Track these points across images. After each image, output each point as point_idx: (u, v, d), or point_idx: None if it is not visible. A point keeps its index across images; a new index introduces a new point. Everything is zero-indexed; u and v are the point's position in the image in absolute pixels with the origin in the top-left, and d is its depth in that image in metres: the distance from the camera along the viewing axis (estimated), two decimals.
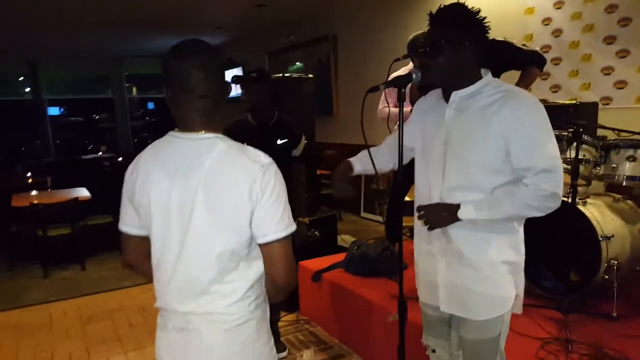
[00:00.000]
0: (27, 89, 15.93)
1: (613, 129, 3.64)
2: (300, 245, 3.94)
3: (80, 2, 8.30)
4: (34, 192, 7.62)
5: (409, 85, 2.42)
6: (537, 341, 3.03)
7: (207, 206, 1.60)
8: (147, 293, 5.63)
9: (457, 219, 2.09)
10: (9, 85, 16.61)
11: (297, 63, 10.39)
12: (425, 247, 2.31)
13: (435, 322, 2.41)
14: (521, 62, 3.88)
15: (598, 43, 5.14)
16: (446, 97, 2.17)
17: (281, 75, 6.22)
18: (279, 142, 3.69)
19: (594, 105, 4.56)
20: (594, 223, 3.40)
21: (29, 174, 9.76)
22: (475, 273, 2.14)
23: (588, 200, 3.60)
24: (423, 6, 6.94)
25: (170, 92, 1.66)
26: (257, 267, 1.70)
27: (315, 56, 9.84)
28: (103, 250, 7.32)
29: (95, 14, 9.16)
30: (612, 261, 3.34)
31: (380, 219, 8.16)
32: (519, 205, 2.00)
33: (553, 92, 5.56)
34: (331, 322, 4.37)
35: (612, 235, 3.39)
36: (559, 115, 3.58)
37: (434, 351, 2.47)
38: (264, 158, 1.66)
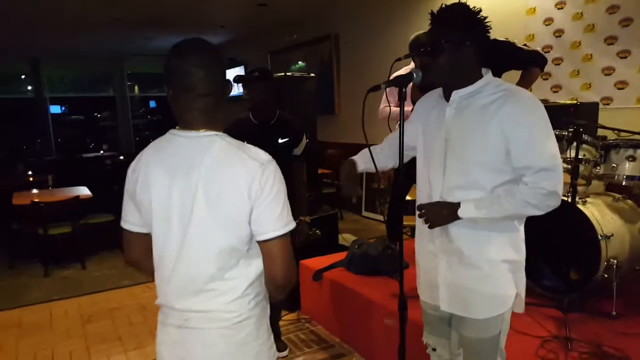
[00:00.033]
0: (29, 87, 15.94)
1: (613, 129, 3.65)
2: (301, 244, 3.95)
3: (83, 0, 8.31)
4: (35, 191, 7.62)
5: (410, 84, 2.43)
6: (537, 339, 3.05)
7: (206, 203, 1.61)
8: (148, 292, 5.65)
9: (457, 218, 2.10)
10: (10, 83, 16.64)
11: (300, 62, 10.39)
12: (427, 245, 2.31)
13: (436, 321, 2.41)
14: (522, 62, 3.89)
15: (599, 43, 5.15)
16: (446, 97, 2.17)
17: (283, 74, 6.23)
18: (280, 140, 3.69)
19: (595, 105, 4.57)
20: (594, 222, 3.41)
21: (30, 172, 9.75)
22: (476, 272, 2.15)
23: (588, 199, 3.61)
24: (425, 6, 6.96)
25: (171, 90, 1.67)
26: (257, 265, 1.71)
27: (317, 55, 9.85)
28: (104, 249, 7.32)
29: (98, 12, 9.17)
30: (612, 260, 3.35)
31: (381, 217, 8.17)
32: (519, 203, 2.00)
33: (554, 92, 5.57)
34: (332, 321, 4.37)
35: (612, 235, 3.40)
36: (559, 115, 3.60)
37: (434, 350, 2.48)
38: (263, 155, 1.67)
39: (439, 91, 2.26)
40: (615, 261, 3.34)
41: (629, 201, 3.82)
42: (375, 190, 8.58)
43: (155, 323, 1.83)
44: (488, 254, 2.14)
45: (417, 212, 2.25)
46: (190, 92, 1.63)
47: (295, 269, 1.73)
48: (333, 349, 4.13)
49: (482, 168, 2.06)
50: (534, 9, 5.74)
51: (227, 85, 1.74)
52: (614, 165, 3.51)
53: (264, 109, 3.67)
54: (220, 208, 1.62)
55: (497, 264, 2.14)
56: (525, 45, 3.98)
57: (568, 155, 3.47)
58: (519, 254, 2.19)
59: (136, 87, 18.15)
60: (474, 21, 2.05)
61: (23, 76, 16.17)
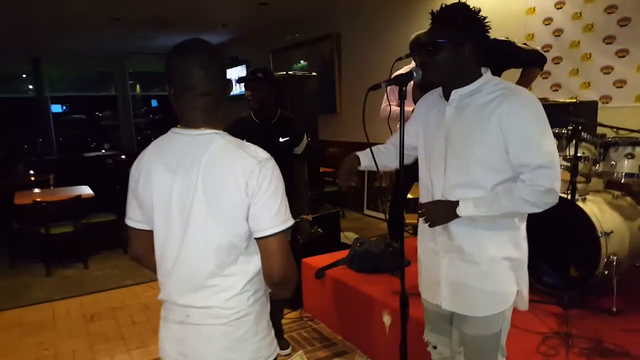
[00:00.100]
0: (30, 87, 15.92)
1: (611, 127, 3.67)
2: (303, 242, 3.97)
3: (83, 0, 8.32)
4: (36, 190, 7.62)
5: (411, 83, 2.45)
6: (538, 336, 3.06)
7: (205, 200, 1.64)
8: (150, 291, 5.67)
9: (456, 216, 2.12)
10: (11, 83, 16.61)
11: (302, 61, 10.40)
12: (429, 244, 2.33)
13: (437, 318, 2.42)
14: (522, 61, 3.91)
15: (598, 43, 5.17)
16: (446, 96, 2.19)
17: (285, 72, 6.24)
18: (280, 140, 3.72)
19: (594, 103, 4.58)
20: (594, 219, 3.42)
21: (31, 172, 9.74)
22: (476, 269, 2.16)
23: (587, 197, 3.62)
24: (425, 5, 6.97)
25: (172, 89, 1.70)
26: (256, 262, 1.73)
27: (318, 54, 9.86)
28: (106, 249, 7.34)
29: (99, 11, 9.19)
30: (612, 257, 3.36)
31: (382, 216, 8.19)
32: (517, 201, 2.02)
33: (554, 90, 5.59)
34: (334, 318, 4.39)
35: (612, 232, 3.42)
36: (559, 113, 3.62)
37: (435, 347, 2.49)
38: (262, 154, 1.69)
39: (439, 91, 2.27)
40: (615, 258, 3.35)
41: (628, 198, 3.84)
42: (377, 189, 8.60)
43: (158, 323, 1.85)
44: (489, 251, 2.15)
45: (418, 212, 2.28)
46: (191, 92, 1.66)
47: (294, 267, 1.74)
48: (335, 347, 4.15)
49: (482, 166, 2.08)
50: (534, 8, 5.75)
51: (228, 84, 1.76)
52: (613, 162, 3.53)
53: (265, 108, 3.69)
54: (218, 205, 1.64)
55: (497, 262, 2.15)
56: (524, 44, 4.00)
57: (567, 153, 3.49)
58: (520, 252, 2.20)
59: (138, 86, 18.12)
60: (474, 21, 2.06)
61: (24, 75, 16.15)
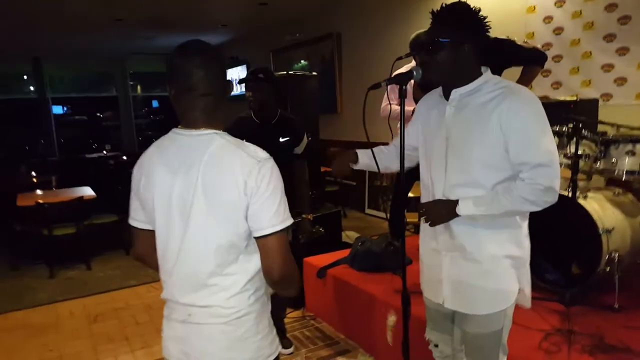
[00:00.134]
0: (31, 88, 15.89)
1: (612, 125, 3.67)
2: (304, 241, 3.98)
3: (83, 0, 8.32)
4: (39, 192, 7.64)
5: (411, 82, 2.45)
6: (540, 333, 3.07)
7: (205, 200, 1.65)
8: (153, 292, 5.68)
9: (456, 215, 2.12)
10: (12, 84, 16.58)
11: (302, 61, 10.40)
12: (430, 243, 2.33)
13: (439, 317, 2.43)
14: (522, 60, 3.91)
15: (598, 41, 5.17)
16: (446, 95, 2.20)
17: (285, 72, 6.25)
18: (281, 140, 3.73)
19: (595, 101, 4.58)
20: (595, 217, 3.43)
21: (33, 173, 9.75)
22: (477, 267, 2.17)
23: (589, 194, 3.62)
24: (425, 5, 6.97)
25: (173, 90, 1.72)
26: (256, 261, 1.74)
27: (318, 54, 9.86)
28: (108, 250, 7.33)
29: (100, 12, 9.18)
30: (613, 254, 3.37)
31: (384, 215, 8.20)
32: (516, 200, 2.02)
33: (554, 88, 5.59)
34: (337, 317, 4.40)
35: (613, 229, 3.42)
36: (559, 111, 3.62)
37: (436, 346, 2.50)
38: (261, 153, 1.70)
39: (439, 91, 2.28)
40: (617, 255, 3.36)
41: (630, 195, 3.84)
42: (378, 188, 8.61)
43: (161, 323, 1.87)
44: (489, 249, 2.15)
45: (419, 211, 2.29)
46: (192, 92, 1.68)
47: (294, 265, 1.75)
48: (338, 346, 4.16)
49: (483, 166, 2.08)
50: (534, 7, 5.75)
51: (228, 85, 1.78)
52: (613, 160, 3.53)
53: (266, 108, 3.70)
54: (218, 204, 1.65)
55: (499, 260, 2.16)
56: (525, 42, 4.00)
57: (568, 151, 3.49)
58: (522, 250, 2.20)
59: (139, 87, 18.09)
60: (474, 20, 2.07)
61: (25, 76, 16.14)
